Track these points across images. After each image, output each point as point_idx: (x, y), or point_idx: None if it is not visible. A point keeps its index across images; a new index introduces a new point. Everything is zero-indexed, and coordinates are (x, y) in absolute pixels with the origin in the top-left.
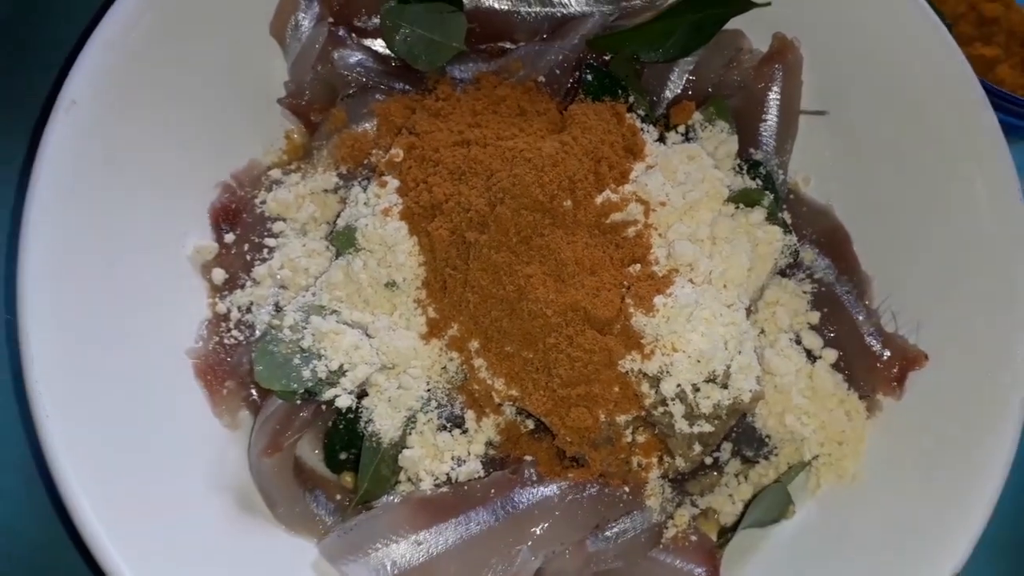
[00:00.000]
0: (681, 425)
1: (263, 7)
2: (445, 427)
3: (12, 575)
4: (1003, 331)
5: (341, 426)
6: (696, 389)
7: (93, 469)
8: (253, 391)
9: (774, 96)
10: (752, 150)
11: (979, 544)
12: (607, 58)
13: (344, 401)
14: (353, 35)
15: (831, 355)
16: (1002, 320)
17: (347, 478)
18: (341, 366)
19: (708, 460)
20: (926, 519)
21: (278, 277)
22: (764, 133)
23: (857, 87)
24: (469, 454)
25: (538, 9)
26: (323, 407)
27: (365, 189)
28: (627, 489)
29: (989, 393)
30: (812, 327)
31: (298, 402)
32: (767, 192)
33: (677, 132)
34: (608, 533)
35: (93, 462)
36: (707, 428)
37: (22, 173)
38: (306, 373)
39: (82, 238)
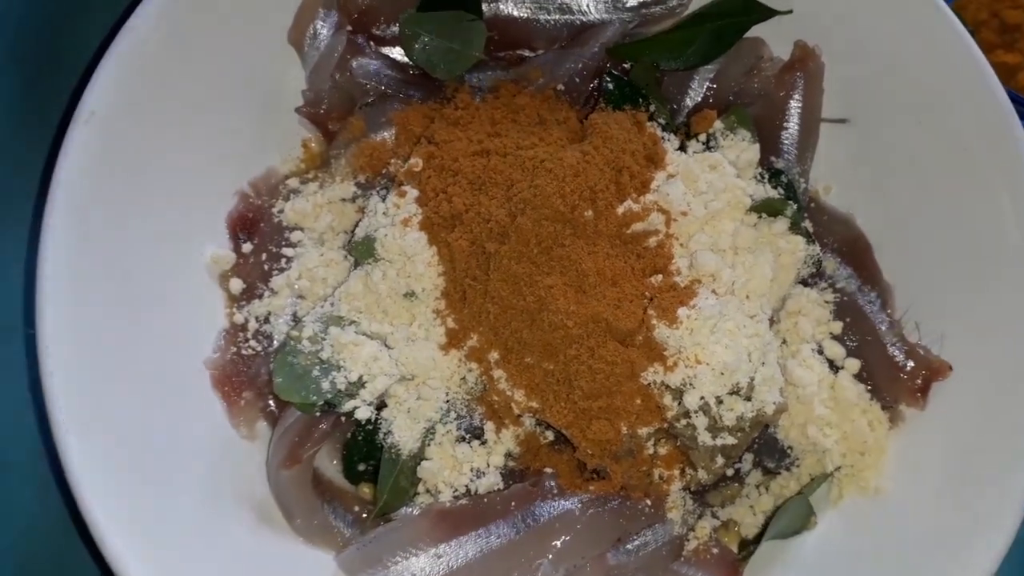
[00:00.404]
0: (704, 438)
1: (281, 15)
2: (464, 439)
3: None
4: None
5: (360, 437)
6: (720, 401)
7: (110, 480)
8: (271, 402)
9: (795, 104)
10: (773, 158)
11: (1009, 554)
12: (627, 66)
13: (363, 413)
14: (372, 43)
15: (854, 365)
16: None
17: (365, 490)
18: (360, 377)
19: (729, 472)
20: (951, 531)
21: (296, 287)
22: (785, 141)
23: (879, 95)
24: (488, 466)
25: (557, 17)
26: (342, 418)
27: (384, 199)
28: (648, 502)
29: (1014, 403)
30: (834, 337)
31: (317, 414)
32: (789, 201)
33: (698, 141)
34: (629, 546)
35: (111, 474)
36: (730, 440)
37: (41, 184)
38: (325, 385)
39: (100, 249)
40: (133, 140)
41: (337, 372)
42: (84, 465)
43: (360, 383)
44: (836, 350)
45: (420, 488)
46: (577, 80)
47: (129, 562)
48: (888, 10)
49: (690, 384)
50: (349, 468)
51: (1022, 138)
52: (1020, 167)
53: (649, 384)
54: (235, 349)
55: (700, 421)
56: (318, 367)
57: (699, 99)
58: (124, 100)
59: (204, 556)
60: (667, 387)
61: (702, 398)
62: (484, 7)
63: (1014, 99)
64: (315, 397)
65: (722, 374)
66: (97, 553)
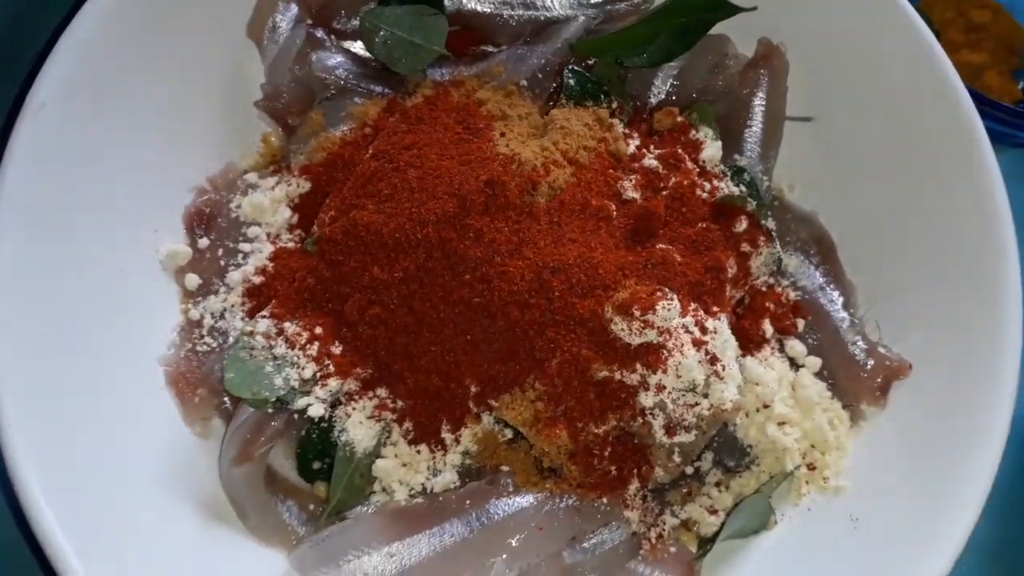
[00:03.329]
0: (660, 436)
1: (240, 8)
2: (421, 437)
3: None
4: (987, 339)
5: (314, 435)
6: (675, 399)
7: (57, 479)
8: (226, 399)
9: (759, 102)
10: (736, 156)
11: (966, 552)
12: (591, 62)
13: (316, 410)
14: (332, 37)
15: (814, 363)
16: (986, 329)
17: (321, 488)
18: (314, 374)
19: (689, 470)
20: (910, 529)
21: (252, 283)
22: (749, 139)
23: (843, 93)
24: (445, 464)
25: (521, 12)
26: (295, 416)
27: None
28: (605, 500)
29: (973, 401)
30: (796, 335)
31: (269, 411)
32: (750, 199)
33: (659, 137)
34: (586, 544)
35: (57, 472)
36: (687, 438)
37: None
38: (278, 381)
39: (50, 244)
40: (85, 134)
41: (291, 368)
42: (29, 462)
43: (314, 380)
44: (797, 348)
45: (376, 487)
46: (540, 76)
47: (75, 564)
48: (852, 8)
49: (646, 381)
50: (304, 466)
51: (983, 136)
52: (981, 166)
53: (605, 382)
54: (190, 346)
55: (656, 419)
56: (271, 363)
57: (663, 96)
58: (76, 92)
59: (155, 556)
60: (624, 384)
61: (658, 395)
62: (447, 1)
63: (977, 98)
64: (267, 393)
65: (678, 374)
66: (42, 554)
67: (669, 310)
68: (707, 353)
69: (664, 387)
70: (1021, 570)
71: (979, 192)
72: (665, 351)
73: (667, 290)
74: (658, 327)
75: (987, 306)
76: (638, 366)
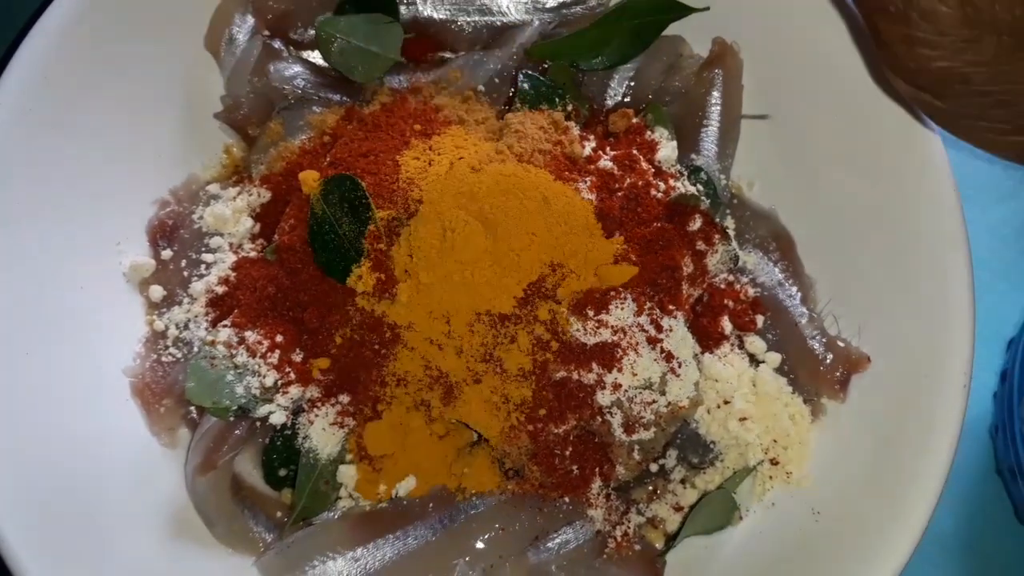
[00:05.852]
0: (619, 434)
1: (197, 21)
2: None
3: None
4: (940, 333)
5: (278, 442)
6: (632, 398)
7: (18, 492)
8: (192, 409)
9: (715, 101)
10: (693, 155)
11: (928, 546)
12: (546, 66)
13: (277, 418)
14: (289, 47)
15: (774, 359)
16: (938, 321)
17: (288, 495)
18: (276, 382)
19: (654, 467)
20: (869, 520)
21: (215, 293)
22: (705, 138)
23: (797, 91)
24: None
25: (476, 18)
26: (257, 424)
27: None
28: (567, 499)
29: (929, 393)
30: (755, 331)
31: (231, 419)
32: (704, 198)
33: (616, 140)
34: (550, 544)
35: (18, 485)
36: (646, 436)
37: None
38: (239, 389)
39: (13, 258)
40: (43, 148)
41: (252, 377)
42: None
43: (276, 387)
44: (757, 344)
45: (341, 492)
46: (497, 81)
47: (34, 573)
48: (804, 8)
49: (603, 380)
50: (270, 473)
51: (935, 133)
52: (931, 161)
53: (563, 382)
54: (155, 356)
55: (615, 417)
56: (232, 372)
57: (619, 98)
58: (32, 108)
59: (121, 567)
60: (581, 384)
61: (615, 394)
62: (402, 9)
63: None
64: (228, 402)
65: (634, 372)
66: (3, 565)
67: (623, 309)
68: (663, 351)
69: (620, 385)
70: (989, 564)
71: (931, 187)
72: (620, 350)
73: (621, 289)
74: (612, 326)
75: (938, 299)
76: (594, 365)
